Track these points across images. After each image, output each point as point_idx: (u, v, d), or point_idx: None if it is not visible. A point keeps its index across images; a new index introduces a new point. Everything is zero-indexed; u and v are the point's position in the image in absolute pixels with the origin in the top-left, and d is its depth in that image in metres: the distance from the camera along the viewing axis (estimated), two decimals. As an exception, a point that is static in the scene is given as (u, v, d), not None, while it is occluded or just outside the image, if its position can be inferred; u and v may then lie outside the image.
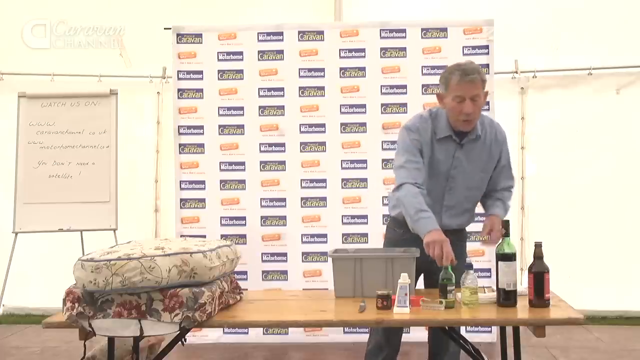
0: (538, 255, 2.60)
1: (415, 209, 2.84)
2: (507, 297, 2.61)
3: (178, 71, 4.82)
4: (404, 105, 4.74)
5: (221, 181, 4.79)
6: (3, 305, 5.53)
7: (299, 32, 4.79)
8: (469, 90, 2.87)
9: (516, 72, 5.56)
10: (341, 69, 4.77)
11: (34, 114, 5.30)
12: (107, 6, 5.64)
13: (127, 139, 5.51)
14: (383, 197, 4.63)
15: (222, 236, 4.67)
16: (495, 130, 3.10)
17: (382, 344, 3.14)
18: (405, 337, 4.27)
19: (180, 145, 4.81)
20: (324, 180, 4.75)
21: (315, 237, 4.74)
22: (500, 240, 2.70)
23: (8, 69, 5.76)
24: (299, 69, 4.78)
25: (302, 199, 4.74)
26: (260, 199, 4.78)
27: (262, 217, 4.77)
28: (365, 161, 4.72)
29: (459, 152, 3.00)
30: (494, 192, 3.15)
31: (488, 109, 4.69)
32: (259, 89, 4.79)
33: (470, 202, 3.12)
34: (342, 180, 4.74)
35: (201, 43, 4.80)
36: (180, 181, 4.81)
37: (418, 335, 4.00)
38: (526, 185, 5.57)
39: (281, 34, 4.79)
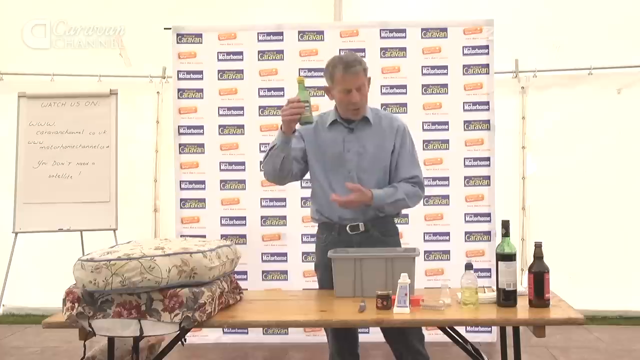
0: (538, 255, 2.60)
1: (268, 149, 3.07)
2: (507, 297, 2.61)
3: (178, 71, 4.82)
4: (404, 105, 4.75)
5: (221, 181, 4.79)
6: (3, 305, 5.54)
7: (299, 32, 4.79)
8: (354, 82, 2.99)
9: (516, 72, 5.56)
10: (341, 69, 4.76)
11: (34, 114, 5.30)
12: (107, 6, 5.64)
13: (126, 139, 5.51)
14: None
15: (222, 236, 4.67)
16: (390, 119, 3.17)
17: (334, 352, 3.16)
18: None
19: (180, 145, 4.81)
20: (324, 180, 4.74)
21: (315, 237, 4.72)
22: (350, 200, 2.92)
23: (8, 69, 5.76)
24: (299, 69, 4.78)
25: (302, 199, 4.73)
26: (260, 199, 4.77)
27: (262, 217, 4.77)
28: (365, 161, 4.72)
29: (350, 136, 3.09)
30: (395, 182, 3.11)
31: (488, 109, 4.71)
32: (259, 89, 4.79)
33: (370, 187, 3.04)
34: (342, 180, 4.73)
35: (201, 43, 4.80)
36: (180, 181, 4.81)
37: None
38: (527, 185, 5.57)
39: (281, 34, 4.79)
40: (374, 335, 4.08)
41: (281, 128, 2.97)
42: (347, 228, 3.08)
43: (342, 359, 3.16)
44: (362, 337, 3.28)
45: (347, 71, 2.98)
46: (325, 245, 3.11)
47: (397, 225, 3.23)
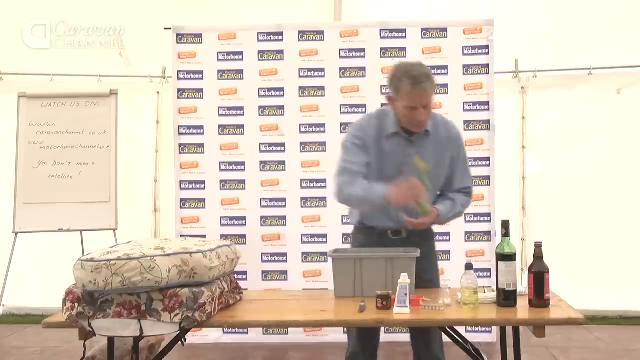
0: (538, 255, 2.60)
1: (361, 188, 2.85)
2: (507, 297, 2.60)
3: (178, 71, 4.82)
4: (404, 105, 4.74)
5: (221, 181, 4.79)
6: (3, 305, 5.54)
7: (299, 32, 4.79)
8: (421, 99, 2.79)
9: (516, 72, 5.56)
10: (341, 69, 4.77)
11: (34, 114, 5.31)
12: (107, 6, 5.64)
13: (126, 139, 5.51)
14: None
15: (222, 236, 4.67)
16: (447, 128, 3.03)
17: (358, 351, 3.07)
18: (404, 337, 4.28)
19: (180, 145, 4.81)
20: (324, 180, 4.74)
21: (315, 237, 4.74)
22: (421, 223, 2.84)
23: (8, 69, 5.76)
24: (299, 69, 4.78)
25: (302, 199, 4.74)
26: (260, 199, 4.77)
27: (262, 217, 4.77)
28: (365, 161, 4.72)
29: (410, 148, 2.93)
30: (448, 192, 3.06)
31: (488, 109, 4.71)
32: (259, 89, 4.79)
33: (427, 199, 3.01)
34: (342, 180, 4.73)
35: (201, 43, 4.80)
36: (180, 181, 4.81)
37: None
38: (527, 185, 5.57)
39: (281, 34, 4.79)
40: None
41: (385, 193, 2.79)
42: (389, 233, 3.00)
43: (364, 356, 3.06)
44: None
45: (414, 87, 2.77)
46: (363, 247, 3.04)
47: None
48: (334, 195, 2.99)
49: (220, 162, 4.79)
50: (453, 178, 3.03)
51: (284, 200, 4.76)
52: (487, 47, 4.70)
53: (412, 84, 2.77)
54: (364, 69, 4.75)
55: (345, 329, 3.16)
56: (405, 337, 4.23)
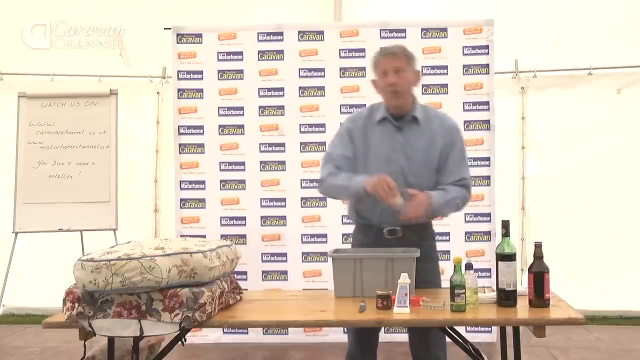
0: (538, 255, 2.60)
1: (343, 178, 2.93)
2: (507, 297, 2.60)
3: (178, 71, 4.82)
4: (404, 105, 4.74)
5: (221, 181, 4.79)
6: (3, 305, 5.54)
7: (299, 32, 4.79)
8: (390, 62, 2.94)
9: (516, 72, 5.56)
10: (341, 69, 4.77)
11: (34, 114, 5.31)
12: (107, 6, 5.65)
13: (127, 139, 5.51)
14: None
15: (222, 236, 4.67)
16: (442, 120, 3.04)
17: (355, 353, 3.06)
18: (404, 337, 4.29)
19: (180, 145, 4.81)
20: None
21: (315, 237, 4.74)
22: (400, 203, 2.79)
23: (8, 69, 5.76)
24: (299, 69, 4.78)
25: (302, 199, 4.74)
26: (260, 199, 4.78)
27: (262, 217, 4.78)
28: (365, 161, 4.72)
29: (398, 136, 2.97)
30: (441, 185, 2.99)
31: (488, 109, 4.71)
32: (259, 89, 4.80)
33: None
34: (342, 180, 4.74)
35: (201, 43, 4.80)
36: (180, 181, 4.81)
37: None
38: (527, 185, 5.58)
39: (281, 34, 4.79)
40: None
41: (363, 183, 2.83)
42: (385, 232, 2.97)
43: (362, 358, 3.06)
44: None
45: (383, 52, 2.99)
46: (361, 246, 3.04)
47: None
48: (317, 183, 3.07)
49: (220, 162, 4.79)
50: (447, 170, 2.98)
51: (284, 200, 4.76)
52: (487, 47, 4.70)
53: (382, 51, 3.02)
54: (364, 69, 4.75)
55: (344, 329, 3.16)
56: (406, 336, 4.27)
